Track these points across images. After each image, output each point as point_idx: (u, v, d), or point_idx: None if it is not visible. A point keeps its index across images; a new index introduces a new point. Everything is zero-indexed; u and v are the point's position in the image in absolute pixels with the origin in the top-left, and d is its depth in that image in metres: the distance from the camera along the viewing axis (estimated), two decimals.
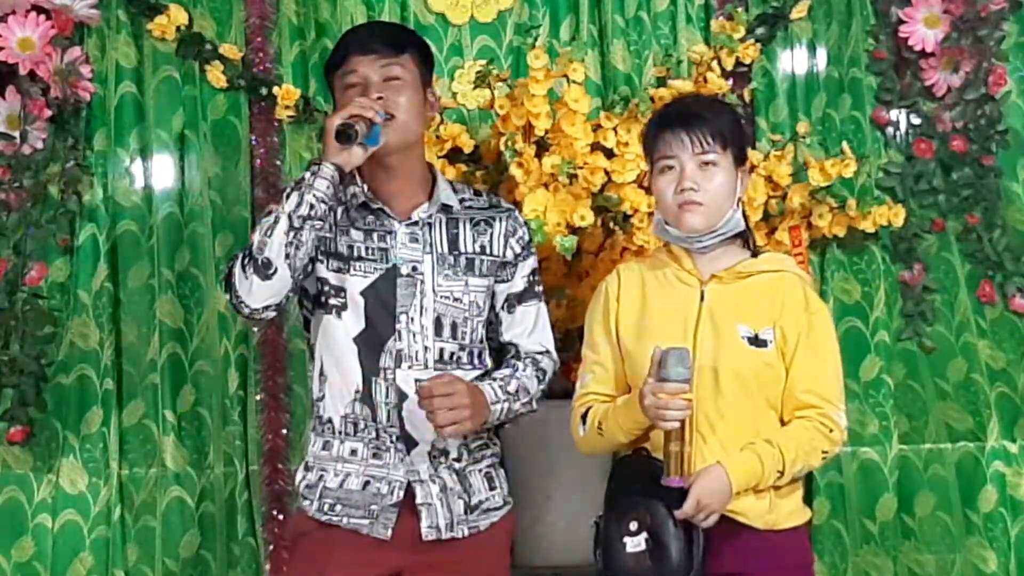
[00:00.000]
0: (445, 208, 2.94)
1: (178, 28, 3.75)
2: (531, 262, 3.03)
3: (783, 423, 2.85)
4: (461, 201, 2.98)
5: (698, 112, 2.89)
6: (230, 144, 3.79)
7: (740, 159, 2.89)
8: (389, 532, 2.84)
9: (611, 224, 3.52)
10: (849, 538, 3.73)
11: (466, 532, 2.89)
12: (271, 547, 3.64)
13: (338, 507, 2.87)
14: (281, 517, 3.65)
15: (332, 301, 2.88)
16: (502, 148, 3.51)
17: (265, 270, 2.75)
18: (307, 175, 2.78)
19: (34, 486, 3.63)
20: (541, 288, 3.06)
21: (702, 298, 2.86)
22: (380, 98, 2.86)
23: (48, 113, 3.63)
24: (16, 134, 3.63)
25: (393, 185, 2.93)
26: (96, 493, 3.64)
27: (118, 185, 3.74)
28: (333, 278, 2.88)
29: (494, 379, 2.92)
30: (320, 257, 2.89)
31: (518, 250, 3.00)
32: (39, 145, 3.64)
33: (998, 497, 3.73)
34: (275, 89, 3.75)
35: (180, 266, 3.74)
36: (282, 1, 3.81)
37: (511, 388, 2.92)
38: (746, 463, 2.76)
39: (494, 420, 2.90)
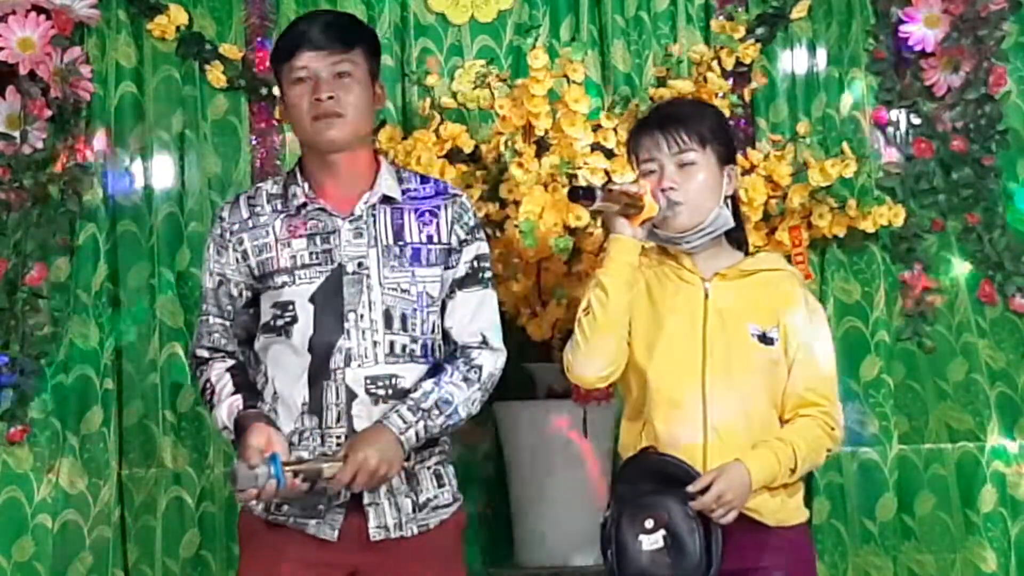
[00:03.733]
0: (388, 200, 2.90)
1: (178, 28, 3.75)
2: (476, 247, 2.93)
3: (782, 421, 2.86)
4: (405, 192, 2.92)
5: (675, 113, 2.91)
6: (230, 144, 3.79)
7: (725, 158, 2.89)
8: (336, 533, 2.81)
9: None
10: (849, 538, 3.73)
11: (415, 530, 2.84)
12: None
13: (284, 507, 2.83)
14: None
15: (279, 322, 2.85)
16: (502, 148, 3.51)
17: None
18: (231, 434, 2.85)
19: (34, 486, 3.63)
20: (490, 275, 2.95)
21: (706, 296, 2.86)
22: (331, 97, 2.83)
23: (48, 113, 3.63)
24: (16, 134, 3.63)
25: (337, 181, 2.88)
26: (96, 493, 3.63)
27: (118, 185, 3.74)
28: (281, 295, 2.85)
29: (409, 399, 2.82)
30: (268, 282, 2.86)
31: (463, 236, 2.91)
32: (39, 145, 3.64)
33: (998, 497, 3.73)
34: (275, 89, 3.74)
35: (180, 266, 3.74)
36: (282, 1, 3.82)
37: (426, 404, 2.81)
38: (764, 460, 2.77)
39: (414, 444, 2.80)
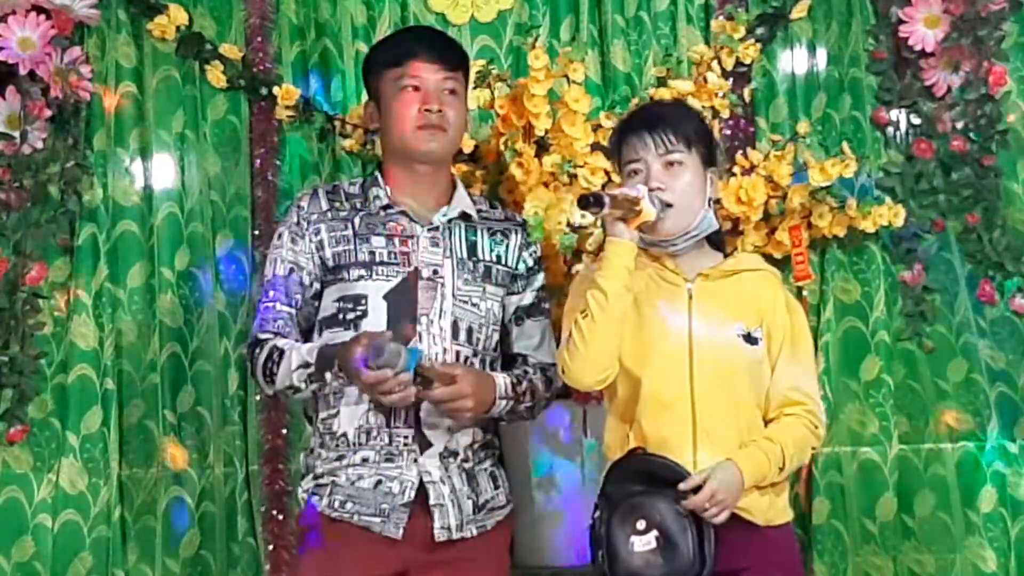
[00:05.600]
0: (464, 216, 2.97)
1: (178, 28, 3.75)
2: (541, 277, 3.08)
3: (766, 420, 2.88)
4: (479, 212, 3.02)
5: (659, 114, 2.93)
6: (230, 144, 3.79)
7: (708, 160, 2.90)
8: (400, 532, 2.85)
9: None
10: (849, 538, 3.73)
11: (475, 532, 2.90)
12: (271, 547, 3.64)
13: (349, 504, 2.87)
14: (281, 517, 3.65)
15: (349, 315, 2.89)
16: (502, 148, 3.51)
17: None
18: (326, 375, 2.83)
19: (34, 486, 3.63)
20: (548, 305, 3.10)
21: (690, 297, 2.87)
22: (440, 111, 2.91)
23: (48, 113, 3.63)
24: (16, 134, 3.63)
25: (418, 190, 2.96)
26: (96, 493, 3.63)
27: (118, 185, 3.74)
28: (354, 288, 2.89)
29: (510, 374, 2.94)
30: (342, 274, 2.90)
31: (531, 263, 3.04)
32: (39, 145, 3.64)
33: (998, 497, 3.73)
34: (275, 89, 3.76)
35: (180, 266, 3.74)
36: (282, 1, 3.82)
37: (521, 388, 2.94)
38: (755, 459, 2.79)
39: (495, 413, 2.91)
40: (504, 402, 2.90)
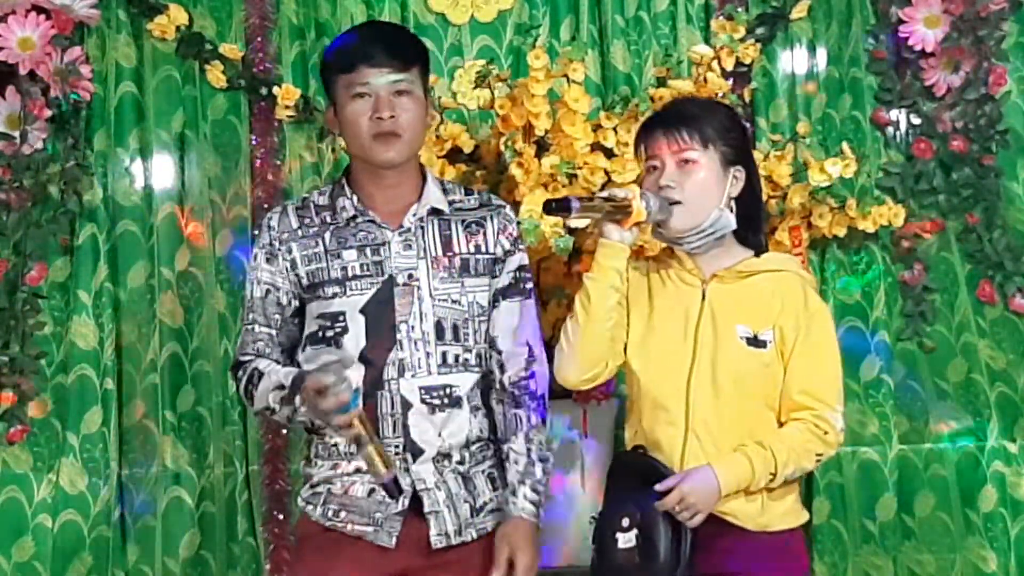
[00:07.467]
0: (436, 211, 2.93)
1: (178, 28, 3.76)
2: (518, 258, 2.98)
3: (780, 424, 2.85)
4: (451, 203, 2.95)
5: (680, 112, 2.91)
6: (230, 144, 3.79)
7: (732, 159, 2.87)
8: (393, 540, 2.83)
9: None
10: (849, 538, 3.73)
11: (475, 535, 2.88)
12: (271, 547, 3.65)
13: (343, 513, 2.85)
14: (281, 517, 3.65)
15: (329, 333, 2.86)
16: (502, 148, 3.51)
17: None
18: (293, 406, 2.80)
19: (34, 486, 3.63)
20: (530, 285, 3.00)
21: (703, 297, 2.86)
22: (392, 117, 2.84)
23: (48, 113, 3.63)
24: (16, 134, 3.63)
25: (386, 194, 2.91)
26: (96, 493, 3.64)
27: (118, 185, 3.74)
28: (331, 306, 2.87)
29: (527, 478, 2.86)
30: (318, 292, 2.88)
31: (507, 246, 2.96)
32: (39, 145, 3.64)
33: (998, 497, 3.73)
34: (275, 89, 3.76)
35: (180, 266, 3.74)
36: (282, 1, 3.82)
37: (539, 474, 2.86)
38: (736, 465, 2.76)
39: (543, 513, 2.88)
40: (541, 510, 2.86)
